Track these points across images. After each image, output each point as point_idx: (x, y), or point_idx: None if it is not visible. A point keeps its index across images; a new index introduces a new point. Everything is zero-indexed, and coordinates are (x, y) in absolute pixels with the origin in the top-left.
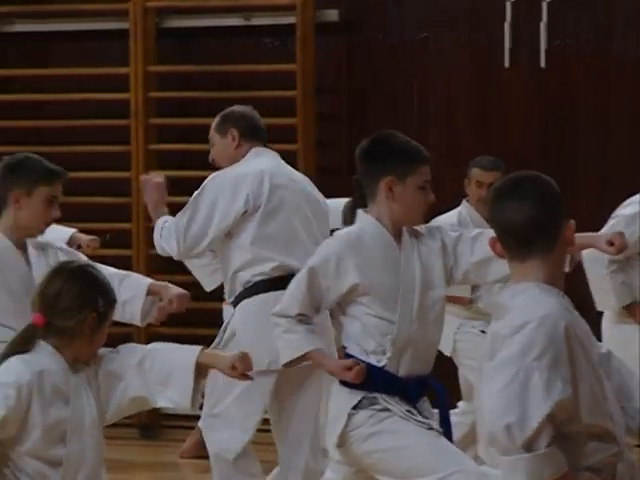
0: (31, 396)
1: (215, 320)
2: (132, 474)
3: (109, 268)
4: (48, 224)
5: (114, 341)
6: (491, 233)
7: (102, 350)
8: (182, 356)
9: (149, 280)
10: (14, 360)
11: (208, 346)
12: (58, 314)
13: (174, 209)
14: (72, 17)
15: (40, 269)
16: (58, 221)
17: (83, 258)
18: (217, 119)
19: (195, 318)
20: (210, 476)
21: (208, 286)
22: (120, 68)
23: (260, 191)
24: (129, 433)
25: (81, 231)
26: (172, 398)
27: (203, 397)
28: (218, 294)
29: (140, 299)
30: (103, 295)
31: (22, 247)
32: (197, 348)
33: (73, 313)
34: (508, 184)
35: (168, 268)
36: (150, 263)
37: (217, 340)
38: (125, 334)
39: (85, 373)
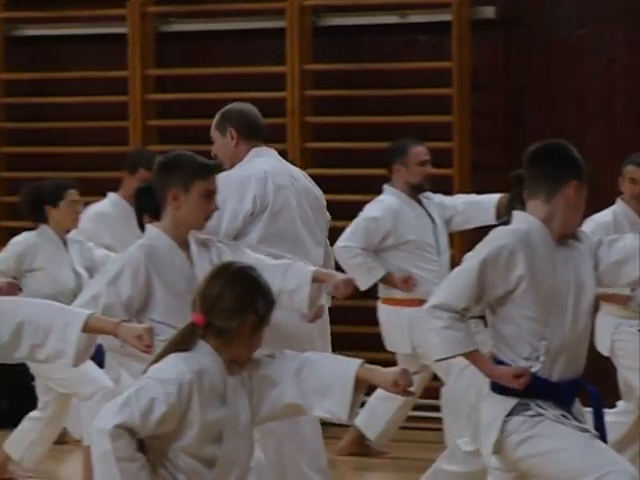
0: (191, 394)
1: (370, 318)
2: None
3: (270, 260)
4: (207, 218)
5: None
6: (632, 237)
7: (257, 353)
8: (341, 368)
9: (313, 267)
10: (175, 358)
11: (365, 345)
12: (219, 315)
13: (336, 207)
14: (229, 16)
15: (203, 266)
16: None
17: (249, 253)
18: (217, 116)
19: (351, 316)
20: (369, 474)
21: (363, 285)
22: (277, 67)
23: (265, 192)
24: None
25: None
26: (329, 409)
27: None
28: (373, 292)
29: (306, 287)
30: (263, 297)
31: (184, 245)
32: (357, 362)
33: (234, 315)
34: None
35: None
36: None
37: None
38: None
39: (240, 375)
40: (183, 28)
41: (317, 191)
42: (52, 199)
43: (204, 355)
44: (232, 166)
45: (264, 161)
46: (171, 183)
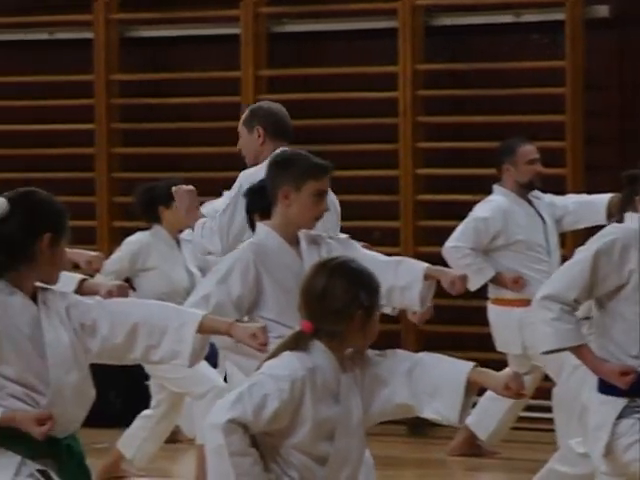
0: (304, 391)
1: (480, 319)
2: (400, 470)
3: (380, 256)
4: (317, 219)
5: (383, 338)
6: None
7: (370, 352)
8: (453, 370)
9: (425, 264)
10: (288, 355)
11: (475, 346)
12: (325, 319)
13: (446, 207)
14: (341, 17)
15: (312, 263)
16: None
17: (359, 249)
18: (246, 112)
19: (459, 316)
20: (480, 474)
21: (473, 285)
22: (389, 67)
23: None
24: (397, 430)
25: (347, 230)
26: (439, 411)
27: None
28: (483, 293)
29: (418, 284)
30: (366, 289)
31: (294, 242)
32: (469, 364)
33: (339, 317)
34: None
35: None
36: None
37: None
38: (394, 332)
39: (353, 373)
40: (295, 29)
41: (332, 195)
42: (165, 200)
43: (317, 353)
44: (255, 163)
45: None
46: (283, 181)
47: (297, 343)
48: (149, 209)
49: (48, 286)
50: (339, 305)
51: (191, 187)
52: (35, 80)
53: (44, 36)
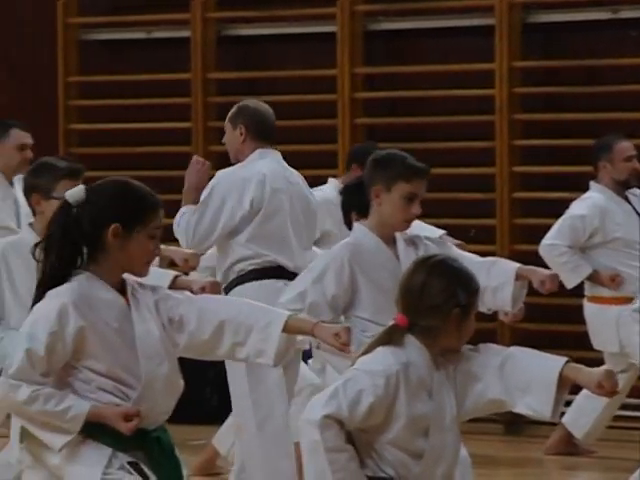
0: (398, 386)
1: (577, 316)
2: (495, 469)
3: (475, 257)
4: (409, 221)
5: (479, 336)
6: None
7: (463, 347)
8: (546, 365)
9: (516, 265)
10: (382, 350)
11: (572, 344)
12: (421, 315)
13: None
14: (438, 14)
15: (409, 263)
16: (422, 217)
17: (455, 250)
18: (233, 109)
19: (556, 314)
20: (576, 473)
21: (569, 283)
22: (485, 64)
23: (262, 196)
24: (494, 428)
25: (444, 227)
26: (532, 406)
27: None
28: (580, 290)
29: (510, 285)
30: (464, 288)
31: (391, 242)
32: (562, 359)
33: (436, 313)
34: None
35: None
36: (514, 259)
37: None
38: (489, 330)
39: (446, 369)
40: (391, 26)
41: (312, 197)
42: None
43: (412, 349)
44: (236, 160)
45: (266, 163)
46: (376, 180)
47: (391, 337)
48: None
49: (139, 279)
50: (436, 302)
51: (206, 163)
52: (133, 79)
53: (142, 35)
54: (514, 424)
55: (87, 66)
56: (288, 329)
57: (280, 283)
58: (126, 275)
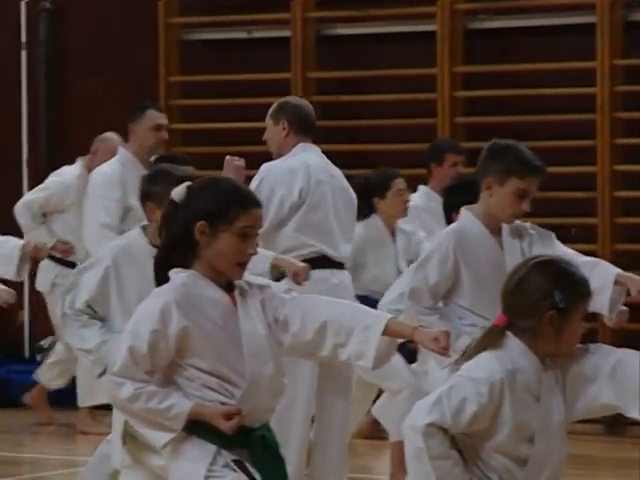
0: (503, 394)
1: None
2: (596, 470)
3: (579, 256)
4: (517, 216)
5: (582, 336)
6: None
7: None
8: None
9: (617, 270)
10: (487, 356)
11: None
12: (517, 313)
13: None
14: (538, 12)
15: (513, 253)
16: (529, 215)
17: (558, 245)
18: (274, 105)
19: None
20: None
21: None
22: (586, 62)
23: (309, 186)
24: (595, 429)
25: (546, 225)
26: None
27: None
28: None
29: (609, 289)
30: (564, 291)
31: (496, 231)
32: None
33: (529, 312)
34: None
35: (636, 265)
36: (616, 260)
37: None
38: (590, 330)
39: (554, 372)
40: (492, 25)
41: (351, 191)
42: (380, 190)
43: (516, 353)
44: (278, 155)
45: (308, 156)
46: (489, 171)
47: (491, 339)
48: (364, 201)
49: (246, 278)
50: (530, 300)
51: (241, 162)
52: (233, 79)
53: (243, 35)
54: (615, 425)
55: (188, 66)
56: (388, 332)
57: (326, 272)
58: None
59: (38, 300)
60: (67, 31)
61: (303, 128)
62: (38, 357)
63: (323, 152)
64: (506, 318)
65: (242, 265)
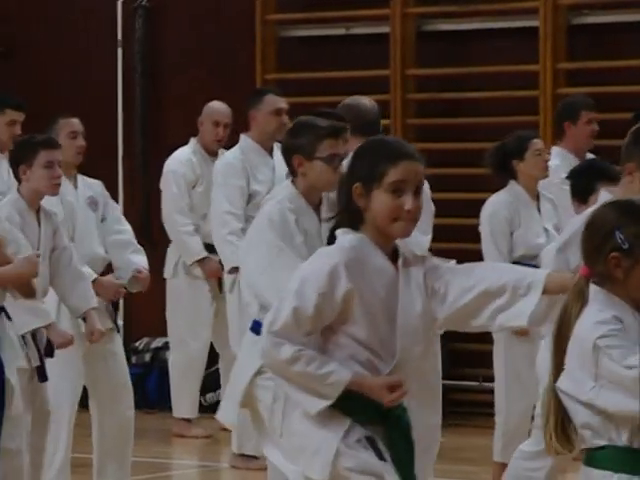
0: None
1: None
2: None
3: None
4: None
5: None
6: None
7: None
8: None
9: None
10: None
11: None
12: (588, 260)
13: None
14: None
15: None
16: None
17: None
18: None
19: None
20: None
21: None
22: None
23: None
24: None
25: None
26: None
27: None
28: None
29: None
30: (625, 228)
31: None
32: None
33: (595, 255)
34: None
35: None
36: None
37: None
38: None
39: None
40: (596, 20)
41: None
42: (517, 153)
43: (610, 303)
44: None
45: None
46: (633, 156)
47: (575, 293)
48: (502, 166)
49: (414, 251)
50: (594, 243)
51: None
52: (330, 76)
53: (340, 31)
54: None
55: (285, 63)
56: (548, 289)
57: None
58: (401, 243)
59: (132, 301)
60: (163, 29)
61: (362, 129)
62: (133, 359)
63: (421, 151)
64: (586, 267)
65: (401, 221)
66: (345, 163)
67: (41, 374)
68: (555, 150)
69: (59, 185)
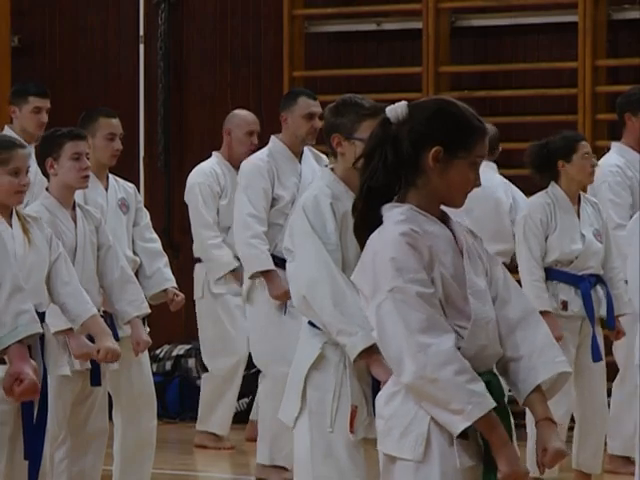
0: None
1: None
2: None
3: None
4: None
5: None
6: None
7: None
8: None
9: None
10: None
11: None
12: None
13: None
14: None
15: None
16: None
17: None
18: None
19: None
20: None
21: None
22: None
23: None
24: None
25: None
26: None
27: None
28: None
29: None
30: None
31: None
32: None
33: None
34: None
35: None
36: None
37: None
38: None
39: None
40: (638, 15)
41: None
42: (565, 154)
43: None
44: None
45: None
46: None
47: None
48: (547, 166)
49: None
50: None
51: None
52: (361, 73)
53: (372, 27)
54: None
55: (313, 60)
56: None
57: None
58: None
59: (152, 306)
60: (187, 24)
61: None
62: (153, 367)
63: None
64: None
65: (466, 195)
66: None
67: (94, 378)
68: (615, 147)
69: (88, 177)
